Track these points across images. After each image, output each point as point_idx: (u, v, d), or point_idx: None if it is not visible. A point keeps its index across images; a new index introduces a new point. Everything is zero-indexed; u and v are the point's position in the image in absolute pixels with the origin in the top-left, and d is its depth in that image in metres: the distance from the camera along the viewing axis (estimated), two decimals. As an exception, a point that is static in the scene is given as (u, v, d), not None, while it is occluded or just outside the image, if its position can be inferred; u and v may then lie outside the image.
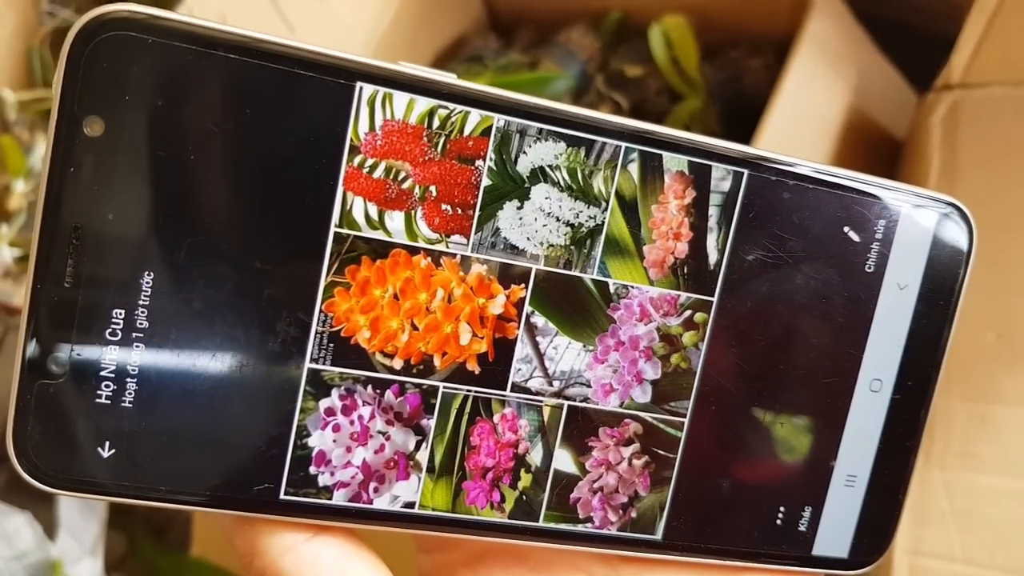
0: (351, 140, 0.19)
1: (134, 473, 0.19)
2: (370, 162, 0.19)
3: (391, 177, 0.19)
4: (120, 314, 0.19)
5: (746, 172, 0.21)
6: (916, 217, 0.22)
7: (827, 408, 0.23)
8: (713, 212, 0.21)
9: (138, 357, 0.19)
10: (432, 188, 0.20)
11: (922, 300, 0.23)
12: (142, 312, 0.19)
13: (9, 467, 0.19)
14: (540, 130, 0.20)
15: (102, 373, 0.19)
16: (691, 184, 0.21)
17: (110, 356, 0.19)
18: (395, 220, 0.20)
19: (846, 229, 0.22)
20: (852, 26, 0.42)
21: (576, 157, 0.20)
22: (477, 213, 0.20)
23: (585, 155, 0.20)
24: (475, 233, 0.20)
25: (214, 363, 0.19)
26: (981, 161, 0.34)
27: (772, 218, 0.22)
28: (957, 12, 0.36)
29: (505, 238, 0.20)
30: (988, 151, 0.34)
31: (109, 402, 0.19)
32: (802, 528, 0.23)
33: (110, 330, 0.19)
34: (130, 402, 0.19)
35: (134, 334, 0.19)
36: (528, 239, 0.20)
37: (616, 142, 0.20)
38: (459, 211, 0.20)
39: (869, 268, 0.22)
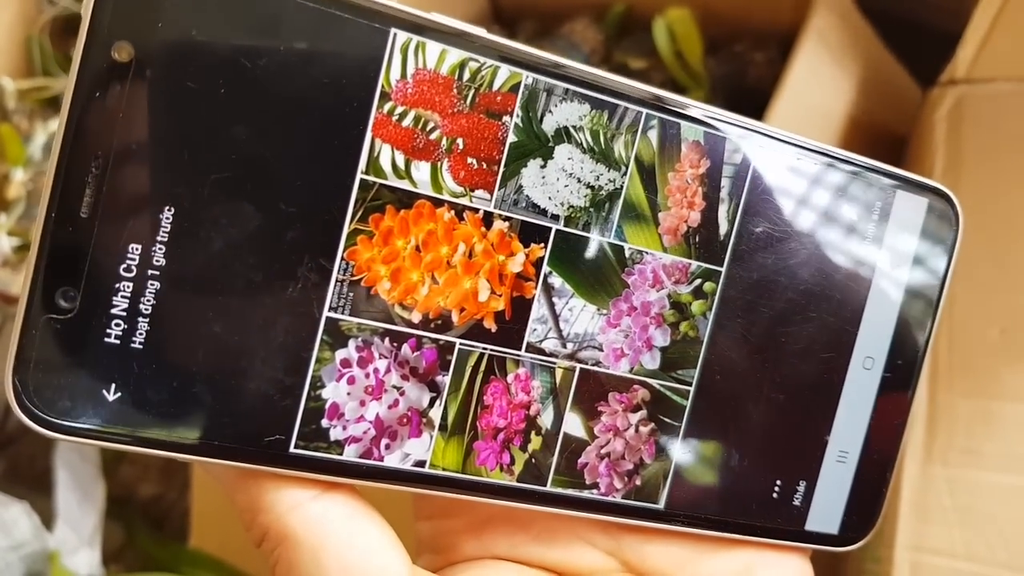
0: (382, 86, 0.19)
1: (138, 418, 0.18)
2: (400, 110, 0.19)
3: (420, 127, 0.19)
4: (136, 250, 0.18)
5: (757, 146, 0.22)
6: (909, 200, 0.23)
7: (823, 383, 0.23)
8: (725, 183, 0.22)
9: (152, 296, 0.18)
10: (459, 140, 0.20)
11: (912, 282, 0.24)
12: (159, 249, 0.18)
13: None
14: (566, 90, 0.20)
15: (113, 311, 0.18)
16: (706, 154, 0.22)
17: (123, 293, 0.18)
18: (421, 171, 0.20)
19: (847, 208, 0.23)
20: (857, 20, 0.43)
21: (599, 120, 0.21)
22: (502, 169, 0.20)
23: (608, 118, 0.21)
24: (499, 189, 0.20)
25: (230, 307, 0.19)
26: (985, 157, 0.35)
27: (779, 192, 0.22)
28: (963, 7, 0.37)
29: (527, 196, 0.20)
30: (992, 147, 0.35)
31: (118, 342, 0.18)
32: (796, 502, 0.24)
33: (124, 266, 0.18)
34: (140, 343, 0.18)
35: (149, 271, 0.18)
36: (550, 199, 0.21)
37: (638, 108, 0.21)
38: (484, 166, 0.20)
39: (866, 248, 0.23)
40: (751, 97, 0.45)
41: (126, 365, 0.18)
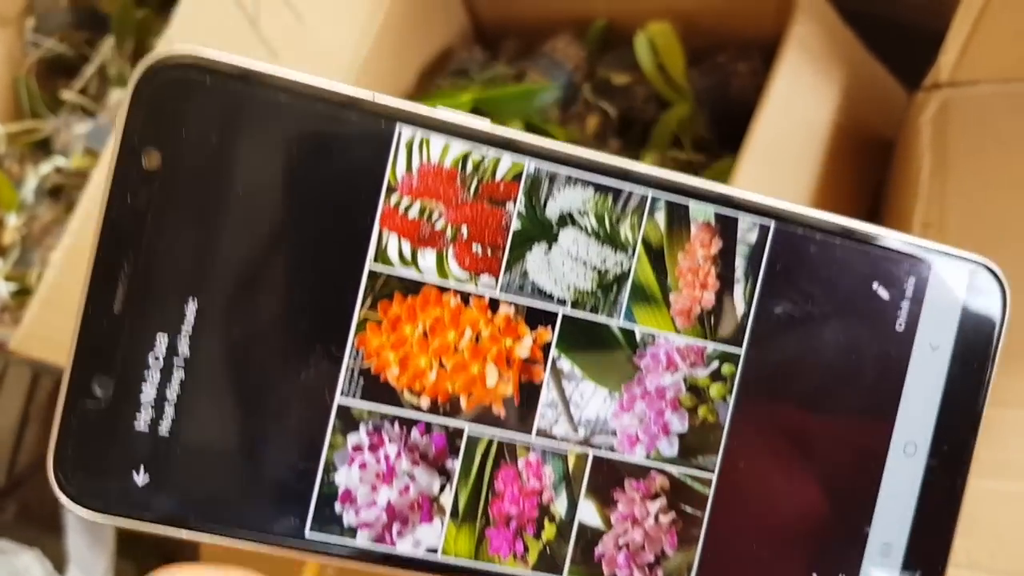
0: (389, 180, 0.20)
1: (166, 503, 0.19)
2: (406, 202, 0.20)
3: (425, 217, 0.20)
4: (164, 341, 0.19)
5: (773, 224, 0.22)
6: (947, 276, 0.22)
7: (860, 470, 0.22)
8: (740, 263, 0.22)
9: (178, 386, 0.19)
10: (463, 229, 0.21)
11: (956, 362, 0.22)
12: (184, 341, 0.19)
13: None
14: (569, 176, 0.21)
15: (142, 399, 0.19)
16: (717, 234, 0.22)
17: (152, 383, 0.19)
18: (427, 258, 0.20)
19: (875, 286, 0.22)
20: (838, 26, 0.43)
21: (604, 203, 0.21)
22: (506, 255, 0.21)
23: (612, 202, 0.21)
24: (504, 274, 0.21)
25: (248, 394, 0.20)
26: (972, 159, 0.34)
27: (799, 271, 0.22)
28: (945, 8, 0.37)
29: (533, 281, 0.21)
30: (978, 149, 0.34)
31: (147, 429, 0.19)
32: (839, 599, 0.22)
33: (153, 356, 0.19)
34: (167, 431, 0.19)
35: (175, 362, 0.19)
36: (555, 283, 0.21)
37: (643, 190, 0.21)
38: (489, 252, 0.21)
39: (900, 327, 0.22)
40: (736, 108, 0.44)
41: (154, 452, 0.19)
